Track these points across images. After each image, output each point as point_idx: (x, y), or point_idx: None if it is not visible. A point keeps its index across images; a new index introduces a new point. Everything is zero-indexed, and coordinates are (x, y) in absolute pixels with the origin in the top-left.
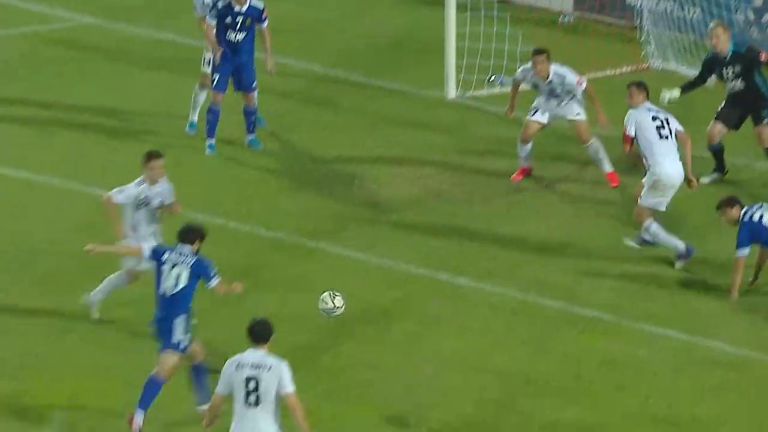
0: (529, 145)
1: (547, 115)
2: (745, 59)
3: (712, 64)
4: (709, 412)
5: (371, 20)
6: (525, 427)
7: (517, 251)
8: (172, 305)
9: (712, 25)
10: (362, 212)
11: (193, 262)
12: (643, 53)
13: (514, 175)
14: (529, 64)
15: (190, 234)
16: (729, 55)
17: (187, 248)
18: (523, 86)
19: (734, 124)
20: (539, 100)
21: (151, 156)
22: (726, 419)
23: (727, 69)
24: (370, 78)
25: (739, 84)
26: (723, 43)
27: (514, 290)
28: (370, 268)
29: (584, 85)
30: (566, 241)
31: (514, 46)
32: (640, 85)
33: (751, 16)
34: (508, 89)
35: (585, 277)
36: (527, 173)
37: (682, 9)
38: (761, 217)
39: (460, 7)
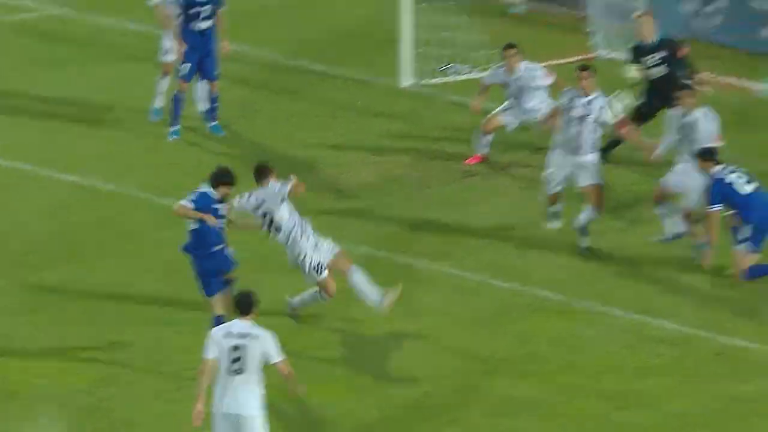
0: (490, 137)
1: (516, 119)
2: (671, 46)
3: (639, 53)
4: (655, 390)
5: (329, 9)
6: (480, 403)
7: (472, 234)
8: (198, 240)
9: (638, 13)
10: (321, 197)
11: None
12: (590, 43)
13: (469, 159)
14: (498, 65)
15: (216, 177)
16: (655, 42)
17: (209, 190)
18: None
19: (649, 117)
20: (510, 102)
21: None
22: (671, 396)
23: (651, 56)
24: (328, 66)
25: (662, 70)
26: (648, 31)
27: (469, 272)
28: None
29: (551, 79)
30: (519, 224)
31: (468, 36)
32: (594, 70)
33: (696, 6)
34: (462, 77)
35: (537, 259)
36: (482, 160)
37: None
38: (731, 182)
39: None
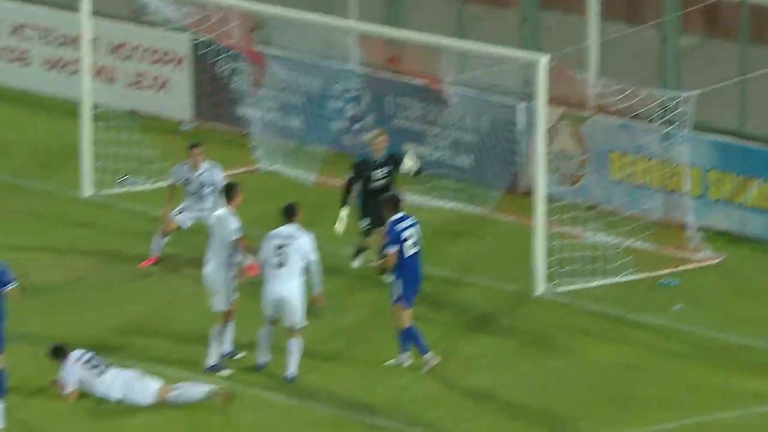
0: (166, 239)
1: (191, 220)
2: (393, 161)
3: (364, 167)
4: None
5: (15, 126)
6: None
7: (150, 328)
8: None
9: (375, 132)
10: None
11: None
12: (253, 157)
13: (143, 262)
14: (179, 164)
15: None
16: (382, 159)
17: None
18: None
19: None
20: (187, 202)
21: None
22: None
23: (378, 170)
24: (17, 179)
25: (383, 183)
26: (381, 149)
27: (146, 363)
28: (28, 348)
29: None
30: (189, 317)
31: (142, 151)
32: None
33: (345, 125)
34: (138, 188)
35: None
36: (155, 262)
37: (287, 118)
38: (404, 229)
39: (95, 117)
